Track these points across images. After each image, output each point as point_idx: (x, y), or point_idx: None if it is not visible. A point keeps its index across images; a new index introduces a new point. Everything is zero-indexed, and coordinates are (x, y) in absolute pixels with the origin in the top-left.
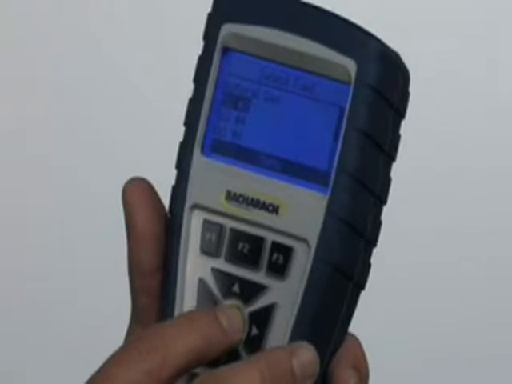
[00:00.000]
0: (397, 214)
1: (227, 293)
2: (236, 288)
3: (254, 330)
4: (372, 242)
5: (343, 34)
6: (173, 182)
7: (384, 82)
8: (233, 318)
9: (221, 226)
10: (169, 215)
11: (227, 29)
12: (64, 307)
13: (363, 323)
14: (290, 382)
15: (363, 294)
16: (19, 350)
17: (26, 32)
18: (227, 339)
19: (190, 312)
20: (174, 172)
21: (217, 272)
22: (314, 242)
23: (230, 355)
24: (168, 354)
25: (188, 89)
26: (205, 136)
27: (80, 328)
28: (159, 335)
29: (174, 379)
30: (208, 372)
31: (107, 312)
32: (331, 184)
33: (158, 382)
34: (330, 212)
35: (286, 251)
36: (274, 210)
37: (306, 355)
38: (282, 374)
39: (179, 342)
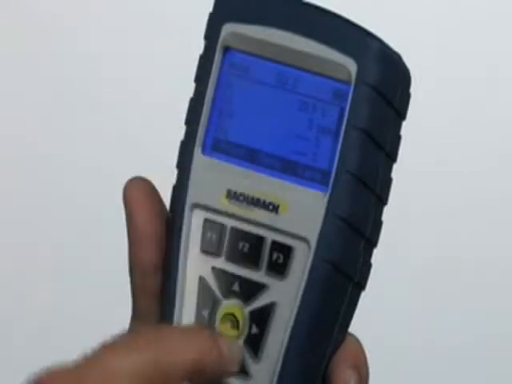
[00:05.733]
0: (397, 215)
1: (227, 292)
2: (236, 287)
3: (254, 329)
4: (372, 241)
5: (344, 33)
6: (173, 181)
7: (384, 82)
8: (234, 348)
9: (221, 225)
10: (169, 214)
11: (228, 28)
12: (63, 306)
13: (363, 323)
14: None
15: (363, 294)
16: (19, 348)
17: (26, 31)
18: (222, 363)
19: (193, 325)
20: (174, 171)
21: (217, 271)
22: (313, 241)
23: None
24: (160, 355)
25: (189, 88)
26: (205, 135)
27: (80, 328)
28: (156, 334)
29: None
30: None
31: (107, 311)
32: (331, 183)
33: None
34: (330, 211)
35: (285, 250)
36: (274, 209)
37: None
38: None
39: (175, 348)
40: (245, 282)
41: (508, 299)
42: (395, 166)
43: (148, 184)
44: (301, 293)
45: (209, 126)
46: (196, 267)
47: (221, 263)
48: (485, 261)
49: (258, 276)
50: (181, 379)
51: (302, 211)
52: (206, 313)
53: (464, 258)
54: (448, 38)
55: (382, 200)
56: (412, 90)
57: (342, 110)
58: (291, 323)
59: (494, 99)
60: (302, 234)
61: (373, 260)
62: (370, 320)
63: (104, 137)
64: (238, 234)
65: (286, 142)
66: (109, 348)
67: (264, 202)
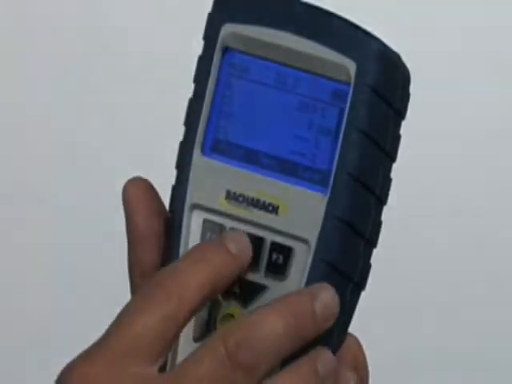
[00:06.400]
0: (397, 215)
1: (226, 293)
2: (236, 288)
3: None
4: (372, 242)
5: (343, 34)
6: (173, 181)
7: (384, 83)
8: (239, 240)
9: (220, 226)
10: (169, 215)
11: (227, 29)
12: (63, 306)
13: (363, 323)
14: (311, 324)
15: (364, 295)
16: (18, 349)
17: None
18: (238, 264)
19: (199, 246)
20: (173, 172)
21: None
22: (313, 242)
23: None
24: (183, 295)
25: (188, 89)
26: (205, 136)
27: (79, 327)
28: (173, 278)
29: (190, 317)
30: (231, 321)
31: (106, 311)
32: (331, 184)
33: (176, 324)
34: (329, 212)
35: (285, 251)
36: (274, 209)
37: (327, 296)
38: (304, 317)
39: (193, 281)
40: (244, 283)
41: (509, 298)
42: (395, 166)
43: (147, 184)
44: None
45: (208, 127)
46: None
47: None
48: (485, 260)
49: (257, 277)
50: (203, 304)
51: (301, 212)
52: (205, 314)
53: (464, 258)
54: (448, 38)
55: (382, 200)
56: (412, 90)
57: (342, 110)
58: None
59: (494, 98)
60: (302, 234)
61: (372, 260)
62: (370, 320)
63: (104, 137)
64: None
65: (286, 142)
66: (133, 308)
67: (263, 202)
